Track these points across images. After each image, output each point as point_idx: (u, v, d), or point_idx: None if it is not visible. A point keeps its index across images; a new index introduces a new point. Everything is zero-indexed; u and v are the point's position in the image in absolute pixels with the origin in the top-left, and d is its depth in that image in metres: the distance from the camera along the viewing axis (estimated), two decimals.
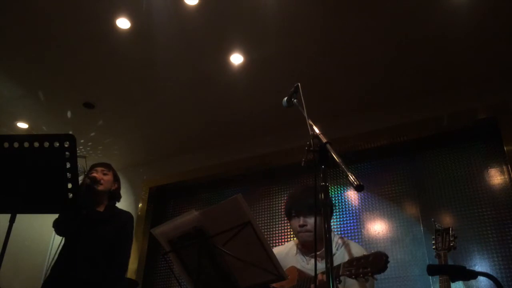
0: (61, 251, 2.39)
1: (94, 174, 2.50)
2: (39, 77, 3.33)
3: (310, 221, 1.99)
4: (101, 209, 2.52)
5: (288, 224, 3.67)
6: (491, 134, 3.14)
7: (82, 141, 4.17)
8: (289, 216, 2.10)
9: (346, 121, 3.61)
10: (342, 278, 1.83)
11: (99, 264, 2.31)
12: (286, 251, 2.13)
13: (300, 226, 2.00)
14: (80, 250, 2.34)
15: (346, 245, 1.96)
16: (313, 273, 1.69)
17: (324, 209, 1.31)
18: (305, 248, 2.06)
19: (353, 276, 1.55)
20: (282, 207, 3.82)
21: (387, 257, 1.50)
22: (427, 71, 3.11)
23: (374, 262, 1.51)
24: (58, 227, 2.41)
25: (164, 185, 4.44)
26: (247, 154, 4.01)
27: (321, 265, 1.65)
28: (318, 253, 1.84)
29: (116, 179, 2.65)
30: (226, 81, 3.29)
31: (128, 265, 2.53)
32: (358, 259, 1.57)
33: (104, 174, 2.56)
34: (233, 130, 3.95)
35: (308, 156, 1.40)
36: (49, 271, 2.35)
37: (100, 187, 2.49)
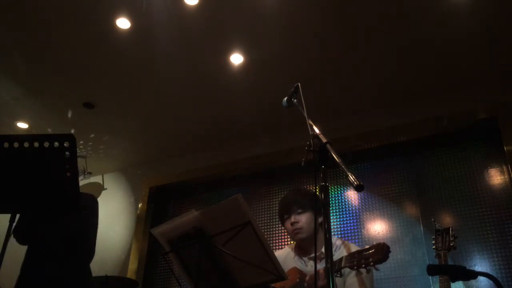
0: (27, 248, 2.32)
1: None
2: (39, 77, 3.33)
3: (300, 218, 2.02)
4: None
5: None
6: (491, 134, 3.14)
7: (82, 141, 4.17)
8: (282, 220, 2.13)
9: (346, 121, 3.61)
10: (343, 274, 1.83)
11: (64, 255, 2.23)
12: (285, 254, 2.14)
13: (291, 224, 2.02)
14: (43, 245, 2.27)
15: (345, 246, 1.96)
16: (312, 274, 1.69)
17: (325, 208, 1.31)
18: (301, 249, 2.06)
19: (355, 267, 1.56)
20: None
21: (388, 247, 1.52)
22: (427, 71, 3.11)
23: (376, 252, 1.53)
24: (17, 235, 2.27)
25: (164, 185, 4.43)
26: (247, 154, 4.01)
27: (321, 267, 1.66)
28: (317, 254, 1.84)
29: None
30: (226, 81, 3.29)
31: (94, 251, 2.39)
32: (360, 251, 1.59)
33: None
34: (233, 130, 3.95)
35: (308, 156, 1.40)
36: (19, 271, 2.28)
37: None
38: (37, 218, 2.28)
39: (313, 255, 1.90)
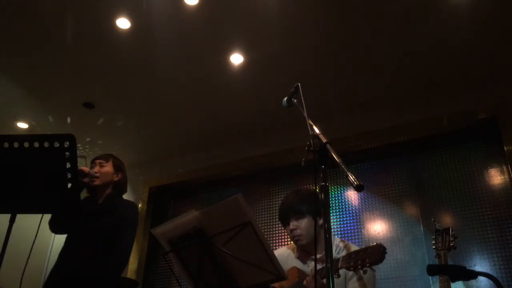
0: (61, 249, 2.37)
1: (86, 169, 2.39)
2: (39, 77, 3.33)
3: (299, 224, 1.98)
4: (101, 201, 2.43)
5: None
6: (491, 134, 3.14)
7: (82, 141, 4.17)
8: (283, 224, 2.10)
9: (346, 121, 3.61)
10: (346, 278, 1.83)
11: (94, 257, 2.22)
12: (287, 253, 2.13)
13: (291, 231, 2.00)
14: (74, 245, 2.29)
15: (347, 248, 1.96)
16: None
17: (324, 209, 1.31)
18: (304, 252, 2.05)
19: (352, 268, 1.56)
20: None
21: (384, 248, 1.52)
22: (427, 71, 3.11)
23: (372, 253, 1.52)
24: (52, 224, 2.38)
25: (164, 185, 4.44)
26: (247, 154, 4.01)
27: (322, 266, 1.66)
28: (318, 256, 1.84)
29: (118, 170, 2.52)
30: (226, 81, 3.29)
31: (128, 257, 2.36)
32: (357, 252, 1.59)
33: (102, 166, 2.45)
34: (233, 130, 3.95)
35: (308, 156, 1.40)
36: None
37: (96, 181, 2.39)
38: (70, 213, 2.29)
39: (319, 256, 1.89)
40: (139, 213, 4.23)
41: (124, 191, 2.56)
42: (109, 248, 2.25)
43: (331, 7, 2.62)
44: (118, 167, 2.54)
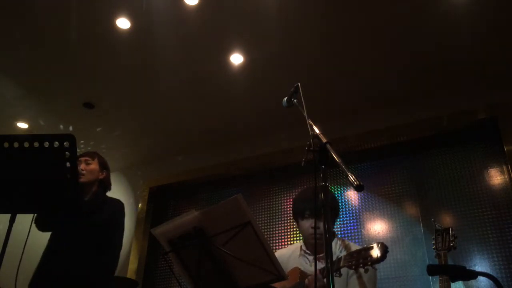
0: (45, 247, 2.34)
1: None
2: (39, 77, 3.33)
3: (321, 224, 1.96)
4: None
5: (288, 224, 3.68)
6: (491, 134, 3.14)
7: (82, 141, 4.17)
8: (301, 217, 2.05)
9: (346, 121, 3.61)
10: (347, 276, 1.83)
11: (85, 256, 2.21)
12: (289, 253, 2.12)
13: (312, 227, 1.96)
14: (62, 243, 2.27)
15: (347, 248, 1.96)
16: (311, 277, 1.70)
17: (325, 209, 1.31)
18: (312, 249, 2.04)
19: (354, 267, 1.57)
20: (282, 207, 3.82)
21: (386, 247, 1.53)
22: (427, 71, 3.11)
23: (374, 252, 1.54)
24: (38, 222, 2.33)
25: (164, 185, 4.44)
26: (247, 154, 4.01)
27: (323, 266, 1.66)
28: (321, 255, 1.84)
29: (103, 167, 2.52)
30: (226, 81, 3.29)
31: (118, 255, 2.36)
32: (359, 251, 1.60)
33: (87, 164, 2.43)
34: (233, 130, 3.95)
35: (308, 156, 1.40)
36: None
37: (82, 179, 2.36)
38: (70, 213, 2.26)
39: (320, 255, 1.89)
40: (137, 213, 4.31)
41: (109, 189, 2.57)
42: (99, 246, 2.24)
43: (331, 7, 2.62)
44: (104, 165, 2.54)
